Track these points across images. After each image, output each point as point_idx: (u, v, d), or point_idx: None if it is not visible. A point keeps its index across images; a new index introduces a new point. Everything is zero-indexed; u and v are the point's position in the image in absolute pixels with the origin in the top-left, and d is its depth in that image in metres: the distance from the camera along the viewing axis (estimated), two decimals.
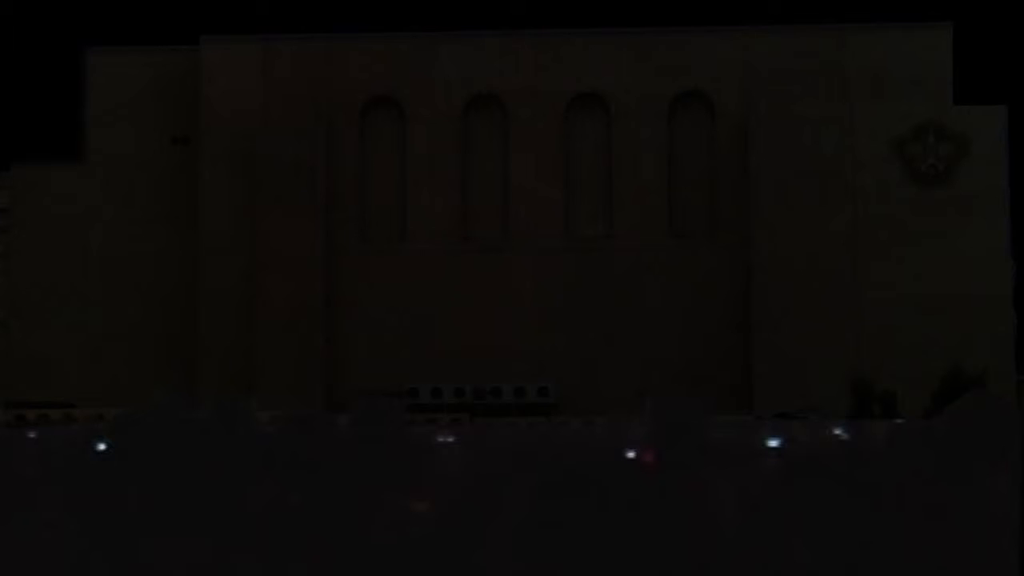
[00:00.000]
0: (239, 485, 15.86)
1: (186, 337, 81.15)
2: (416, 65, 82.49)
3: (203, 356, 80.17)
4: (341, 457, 16.27)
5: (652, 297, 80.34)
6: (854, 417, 60.38)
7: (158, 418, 16.54)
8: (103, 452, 18.18)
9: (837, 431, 30.30)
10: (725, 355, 79.06)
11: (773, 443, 21.51)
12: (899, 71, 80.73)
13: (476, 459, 19.97)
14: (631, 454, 17.36)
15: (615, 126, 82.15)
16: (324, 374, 79.40)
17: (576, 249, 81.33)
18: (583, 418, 61.32)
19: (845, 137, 79.94)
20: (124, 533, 15.23)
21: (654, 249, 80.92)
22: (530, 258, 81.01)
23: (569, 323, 79.96)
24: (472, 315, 79.82)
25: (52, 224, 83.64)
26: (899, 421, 44.74)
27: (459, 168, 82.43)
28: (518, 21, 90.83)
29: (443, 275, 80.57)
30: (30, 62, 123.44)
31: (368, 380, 75.19)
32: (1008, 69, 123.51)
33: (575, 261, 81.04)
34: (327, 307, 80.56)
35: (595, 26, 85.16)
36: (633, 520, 14.50)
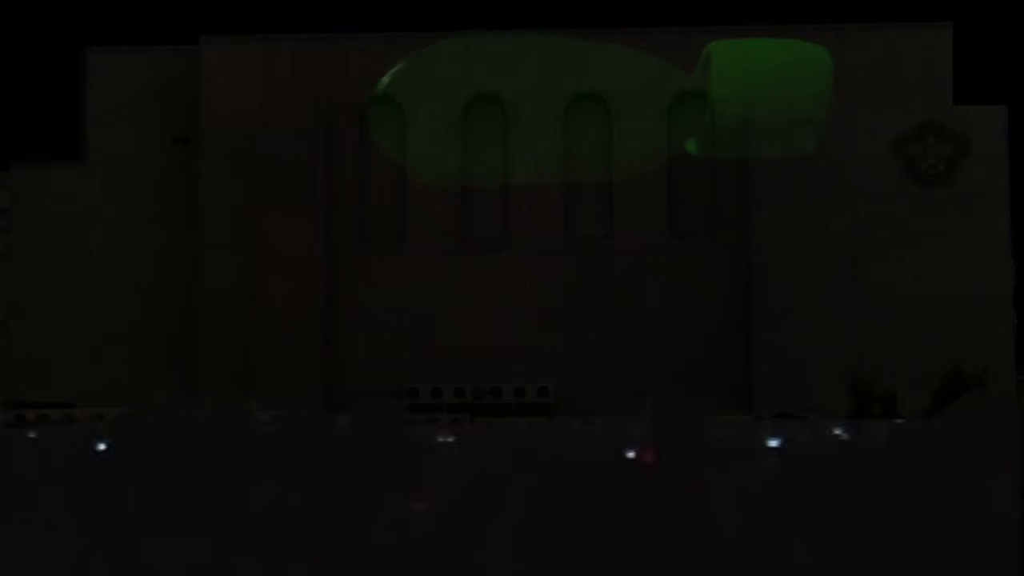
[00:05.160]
0: (239, 485, 15.85)
1: (186, 337, 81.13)
2: (416, 65, 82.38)
3: (203, 356, 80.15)
4: (341, 457, 16.27)
5: (652, 297, 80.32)
6: (854, 417, 60.37)
7: (158, 418, 16.54)
8: (103, 452, 18.16)
9: (837, 431, 30.23)
10: (725, 355, 79.04)
11: (773, 443, 21.46)
12: (899, 71, 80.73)
13: (476, 459, 19.95)
14: (631, 454, 17.34)
15: (615, 126, 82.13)
16: (324, 374, 79.37)
17: (576, 249, 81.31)
18: (583, 418, 61.26)
19: (845, 137, 79.91)
20: (124, 533, 15.22)
21: (654, 249, 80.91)
22: (530, 258, 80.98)
23: (569, 323, 79.94)
24: (472, 315, 79.80)
25: (52, 224, 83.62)
26: (899, 421, 44.71)
27: (459, 168, 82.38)
28: (518, 21, 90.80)
29: (443, 275, 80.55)
30: (30, 62, 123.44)
31: (368, 380, 75.15)
32: (1008, 69, 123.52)
33: (575, 261, 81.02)
34: (327, 307, 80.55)
35: (595, 26, 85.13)
36: (633, 520, 14.50)
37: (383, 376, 76.46)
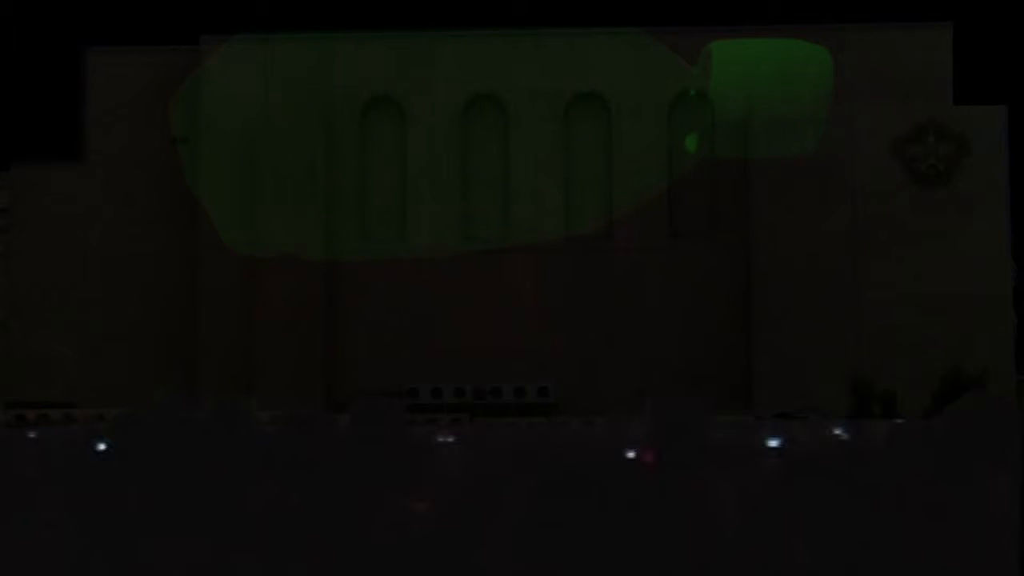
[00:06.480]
0: (239, 485, 15.86)
1: (186, 337, 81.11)
2: (416, 65, 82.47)
3: (203, 356, 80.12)
4: (341, 457, 16.28)
5: (652, 297, 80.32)
6: (854, 417, 60.39)
7: (158, 418, 16.55)
8: (103, 452, 18.18)
9: (837, 431, 30.29)
10: (725, 355, 79.02)
11: (773, 443, 21.49)
12: (899, 71, 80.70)
13: (476, 459, 19.97)
14: (631, 454, 17.36)
15: (615, 126, 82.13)
16: (324, 374, 79.35)
17: (576, 249, 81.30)
18: (583, 418, 61.29)
19: (845, 137, 79.92)
20: (124, 533, 15.23)
21: (654, 249, 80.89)
22: (530, 258, 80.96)
23: (569, 323, 79.93)
24: (472, 315, 79.79)
25: (52, 224, 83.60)
26: (899, 421, 44.73)
27: (459, 168, 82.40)
28: (518, 21, 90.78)
29: (443, 275, 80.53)
30: (30, 62, 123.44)
31: (368, 380, 75.15)
32: (1008, 69, 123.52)
33: (575, 261, 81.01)
34: (327, 307, 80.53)
35: (595, 26, 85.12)
36: (633, 520, 14.51)
37: (383, 376, 76.46)
